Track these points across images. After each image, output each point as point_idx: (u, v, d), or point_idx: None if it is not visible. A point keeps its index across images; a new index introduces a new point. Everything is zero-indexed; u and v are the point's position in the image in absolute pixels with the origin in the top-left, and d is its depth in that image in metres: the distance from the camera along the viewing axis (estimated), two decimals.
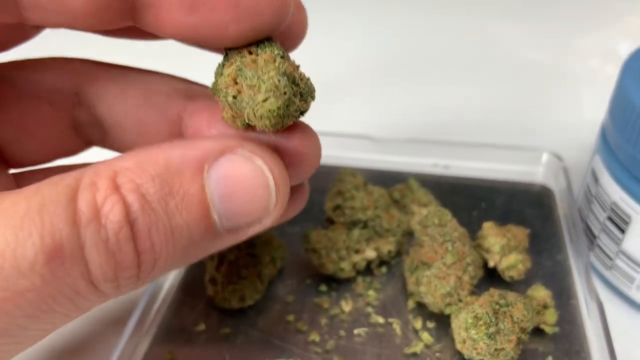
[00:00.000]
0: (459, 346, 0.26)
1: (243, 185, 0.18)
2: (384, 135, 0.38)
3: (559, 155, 0.36)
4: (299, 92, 0.18)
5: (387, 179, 0.35)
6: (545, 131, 0.43)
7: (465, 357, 0.26)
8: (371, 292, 0.30)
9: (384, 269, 0.32)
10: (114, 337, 0.28)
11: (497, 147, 0.37)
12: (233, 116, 0.19)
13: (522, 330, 0.26)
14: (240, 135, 0.19)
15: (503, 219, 0.32)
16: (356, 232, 0.30)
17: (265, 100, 0.17)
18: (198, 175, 0.17)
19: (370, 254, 0.30)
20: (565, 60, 0.54)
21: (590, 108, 0.47)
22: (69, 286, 0.16)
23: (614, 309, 0.31)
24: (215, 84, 0.19)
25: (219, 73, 0.19)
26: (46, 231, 0.15)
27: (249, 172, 0.18)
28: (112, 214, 0.16)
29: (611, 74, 0.31)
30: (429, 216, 0.29)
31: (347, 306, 0.30)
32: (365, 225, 0.30)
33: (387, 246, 0.31)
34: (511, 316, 0.25)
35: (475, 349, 0.25)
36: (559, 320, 0.28)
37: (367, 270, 0.31)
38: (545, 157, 0.36)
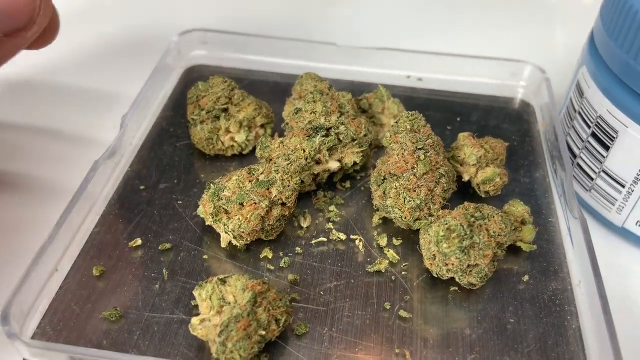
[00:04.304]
0: (427, 263, 0.23)
1: None
2: (352, 42, 0.34)
3: (541, 68, 0.33)
4: None
5: (354, 91, 0.32)
6: (526, 47, 0.40)
7: (434, 274, 0.23)
8: (332, 208, 0.27)
9: (347, 184, 0.28)
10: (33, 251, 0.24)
11: (475, 58, 0.34)
12: None
13: (499, 245, 0.23)
14: None
15: (480, 134, 0.29)
16: (317, 139, 0.26)
17: None
18: None
19: (333, 164, 0.27)
20: None
21: (567, 28, 0.44)
22: None
23: (592, 233, 0.29)
24: None
25: None
26: None
27: None
28: None
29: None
30: (400, 121, 0.25)
31: (305, 222, 0.26)
32: (327, 133, 0.27)
33: (352, 157, 0.27)
34: (487, 229, 0.23)
35: (446, 264, 0.22)
36: (536, 239, 0.25)
37: (329, 184, 0.28)
38: (528, 69, 0.33)
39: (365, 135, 0.27)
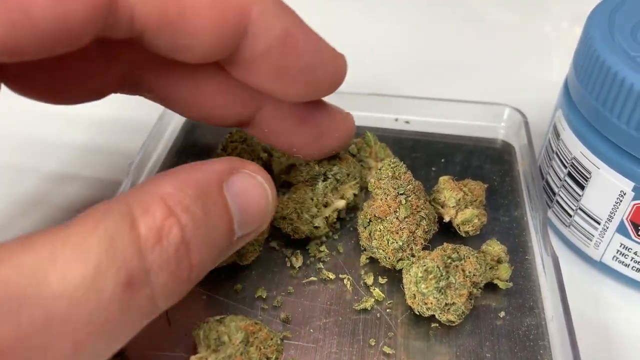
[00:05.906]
0: (409, 301, 0.25)
1: (253, 199, 0.21)
2: (344, 88, 0.37)
3: (521, 110, 0.35)
4: None
5: None
6: (510, 89, 0.42)
7: (416, 312, 0.25)
8: (323, 248, 0.29)
9: (338, 225, 0.30)
10: None
11: (459, 102, 0.36)
12: None
13: (474, 284, 0.25)
14: (237, 158, 0.23)
15: (462, 175, 0.31)
16: (320, 185, 0.28)
17: None
18: (220, 193, 0.20)
19: (340, 203, 0.29)
20: (534, 21, 0.52)
21: (557, 69, 0.46)
22: (137, 309, 0.17)
23: (572, 267, 0.31)
24: None
25: None
26: (120, 265, 0.16)
27: (256, 187, 0.21)
28: (172, 235, 0.17)
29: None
30: (382, 169, 0.28)
31: (297, 262, 0.28)
32: (325, 177, 0.29)
33: (351, 190, 0.30)
34: (463, 270, 0.24)
35: (426, 303, 0.24)
36: (513, 276, 0.27)
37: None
38: (507, 112, 0.35)
39: (354, 167, 0.30)
